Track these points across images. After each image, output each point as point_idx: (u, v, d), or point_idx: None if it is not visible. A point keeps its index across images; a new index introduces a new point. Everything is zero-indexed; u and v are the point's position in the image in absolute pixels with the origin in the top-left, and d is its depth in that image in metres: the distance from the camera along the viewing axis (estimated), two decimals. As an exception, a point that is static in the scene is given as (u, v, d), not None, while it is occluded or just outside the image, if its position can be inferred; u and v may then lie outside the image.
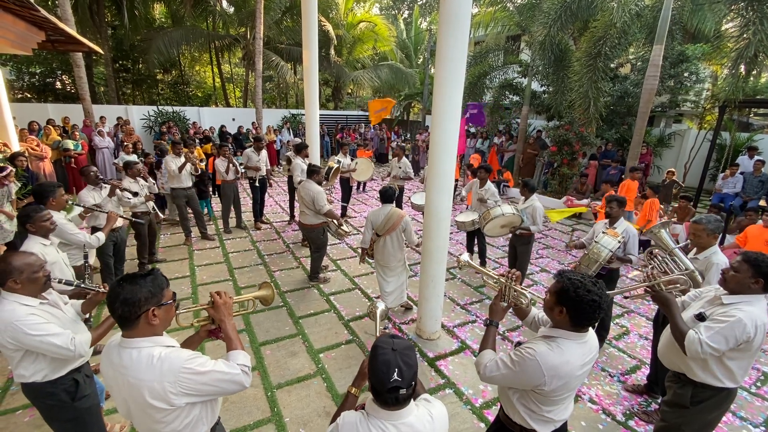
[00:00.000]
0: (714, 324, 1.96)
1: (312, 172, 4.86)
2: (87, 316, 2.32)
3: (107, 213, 3.78)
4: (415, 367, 1.27)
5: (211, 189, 8.01)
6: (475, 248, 5.82)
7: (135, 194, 4.65)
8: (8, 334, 1.82)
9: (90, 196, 4.16)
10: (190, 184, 6.27)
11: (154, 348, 1.40)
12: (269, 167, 7.45)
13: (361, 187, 10.68)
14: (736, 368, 2.03)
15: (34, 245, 2.64)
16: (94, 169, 4.27)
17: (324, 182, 5.65)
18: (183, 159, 6.05)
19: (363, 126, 16.80)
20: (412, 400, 1.33)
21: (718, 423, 2.24)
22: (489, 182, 5.45)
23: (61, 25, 5.05)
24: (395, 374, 1.22)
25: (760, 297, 1.98)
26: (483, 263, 5.68)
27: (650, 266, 2.59)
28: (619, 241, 3.26)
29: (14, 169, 4.68)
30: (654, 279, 2.27)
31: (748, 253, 2.01)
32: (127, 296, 1.37)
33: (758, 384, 3.55)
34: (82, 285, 2.29)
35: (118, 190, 4.42)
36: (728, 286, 2.05)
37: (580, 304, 1.51)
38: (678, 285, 2.34)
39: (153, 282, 1.44)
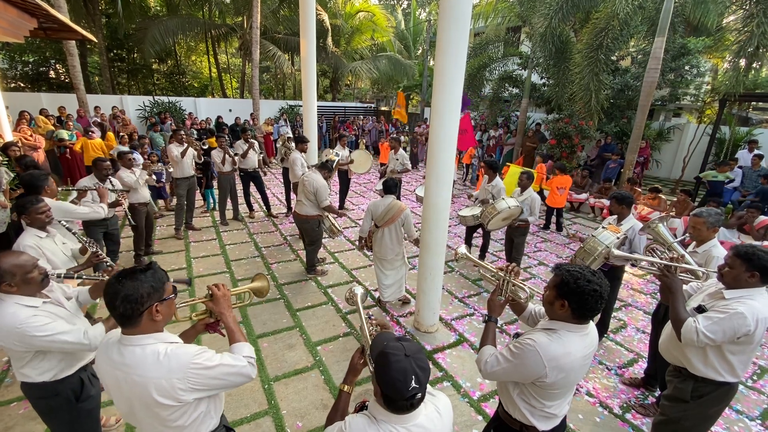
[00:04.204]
0: (714, 314, 1.95)
1: (324, 167, 4.84)
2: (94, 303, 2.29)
3: (96, 189, 3.86)
4: (429, 370, 1.23)
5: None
6: (476, 242, 5.80)
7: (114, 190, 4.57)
8: (14, 338, 1.75)
9: (90, 183, 4.11)
10: (192, 172, 6.29)
11: (158, 344, 1.36)
12: (262, 157, 7.37)
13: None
14: (737, 362, 2.02)
15: (29, 238, 2.59)
16: (108, 163, 4.23)
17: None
18: (186, 146, 6.05)
19: (362, 118, 16.64)
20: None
21: (717, 418, 2.23)
22: (498, 179, 5.33)
23: (53, 12, 4.94)
24: (413, 381, 1.16)
25: (761, 290, 1.96)
26: (482, 257, 5.66)
27: (672, 253, 2.57)
28: (618, 237, 3.24)
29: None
30: (676, 261, 2.26)
31: (739, 247, 1.98)
32: (128, 293, 1.31)
33: (755, 377, 3.56)
34: (84, 276, 2.26)
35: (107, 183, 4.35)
36: (725, 281, 2.02)
37: (582, 295, 1.49)
38: (692, 277, 2.32)
39: (153, 276, 1.38)
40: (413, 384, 1.16)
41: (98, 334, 1.94)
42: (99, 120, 9.94)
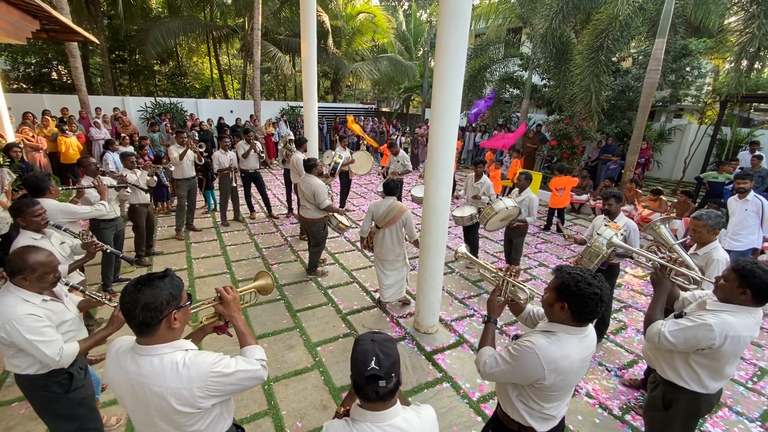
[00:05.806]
0: (684, 321, 1.92)
1: (311, 166, 4.81)
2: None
3: (95, 186, 3.83)
4: (394, 357, 1.25)
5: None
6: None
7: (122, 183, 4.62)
8: (2, 331, 1.81)
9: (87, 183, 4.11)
10: (192, 174, 6.32)
11: (176, 353, 1.34)
12: (263, 158, 7.39)
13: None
14: (702, 373, 1.97)
15: (24, 241, 2.61)
16: (93, 160, 4.22)
17: (330, 178, 5.65)
18: (185, 148, 6.10)
19: (362, 119, 16.66)
20: (398, 401, 1.30)
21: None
22: (485, 176, 5.41)
23: (55, 13, 4.97)
24: (372, 362, 1.20)
25: (748, 309, 1.86)
26: (475, 257, 5.67)
27: (672, 254, 2.56)
28: (621, 234, 3.26)
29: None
30: (674, 263, 2.25)
31: (740, 261, 1.91)
32: (148, 301, 1.28)
33: (755, 379, 3.56)
34: (87, 293, 2.30)
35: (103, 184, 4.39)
36: (719, 294, 1.97)
37: (582, 298, 1.49)
38: (686, 282, 2.31)
39: (171, 283, 1.36)
40: (372, 364, 1.20)
41: (70, 354, 1.97)
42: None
